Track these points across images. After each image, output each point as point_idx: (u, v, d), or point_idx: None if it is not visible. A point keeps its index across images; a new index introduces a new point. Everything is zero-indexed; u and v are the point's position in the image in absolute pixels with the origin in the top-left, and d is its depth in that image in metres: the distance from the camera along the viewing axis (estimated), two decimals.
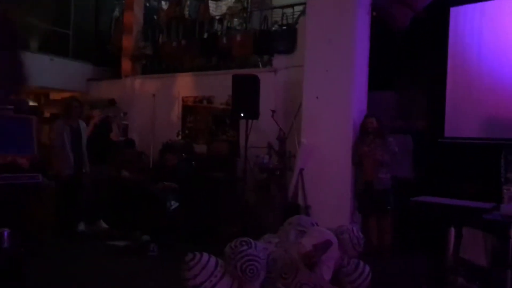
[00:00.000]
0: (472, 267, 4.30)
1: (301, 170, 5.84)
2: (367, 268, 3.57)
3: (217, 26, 8.43)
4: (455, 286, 4.16)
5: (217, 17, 8.55)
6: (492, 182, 5.39)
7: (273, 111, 6.32)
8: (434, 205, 4.72)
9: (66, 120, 6.07)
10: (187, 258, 3.28)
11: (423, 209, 4.97)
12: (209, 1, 8.56)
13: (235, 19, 8.28)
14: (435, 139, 6.22)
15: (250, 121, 6.17)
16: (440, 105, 6.21)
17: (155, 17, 9.63)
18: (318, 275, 3.17)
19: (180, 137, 7.60)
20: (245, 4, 8.38)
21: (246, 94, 5.90)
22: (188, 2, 8.91)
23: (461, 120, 6.10)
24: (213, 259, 3.31)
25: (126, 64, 9.19)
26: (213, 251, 3.51)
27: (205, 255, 3.32)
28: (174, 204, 5.86)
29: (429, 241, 5.22)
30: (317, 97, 5.93)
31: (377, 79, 6.22)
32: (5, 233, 3.84)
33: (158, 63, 8.98)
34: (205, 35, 8.45)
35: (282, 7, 7.61)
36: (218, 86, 7.34)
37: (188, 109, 8.19)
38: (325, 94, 5.88)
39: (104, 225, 6.52)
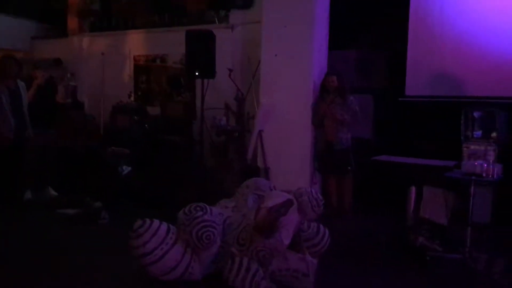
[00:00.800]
0: (433, 225, 4.27)
1: (260, 131, 5.63)
2: (327, 232, 3.47)
3: None
4: (415, 245, 4.12)
5: None
6: (452, 140, 5.36)
7: (230, 70, 6.04)
8: (394, 164, 4.65)
9: (2, 81, 5.56)
10: (136, 225, 3.07)
11: (384, 168, 4.89)
12: None
13: None
14: (395, 98, 6.12)
15: (206, 81, 5.87)
16: (400, 64, 6.09)
17: None
18: (278, 240, 3.02)
19: (132, 98, 7.20)
20: None
21: (201, 52, 5.57)
22: None
23: (422, 79, 6.02)
24: (164, 226, 3.11)
25: (72, 21, 8.57)
26: (169, 217, 3.33)
27: (156, 222, 3.11)
28: (126, 169, 5.57)
29: (390, 201, 5.19)
30: (276, 55, 5.68)
31: (338, 38, 6.04)
32: None
33: (107, 19, 8.40)
34: None
35: None
36: (172, 43, 6.94)
37: (140, 69, 7.76)
38: (285, 52, 5.65)
39: (52, 192, 6.16)
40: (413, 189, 4.47)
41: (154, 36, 7.64)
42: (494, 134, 5.02)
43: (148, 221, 3.11)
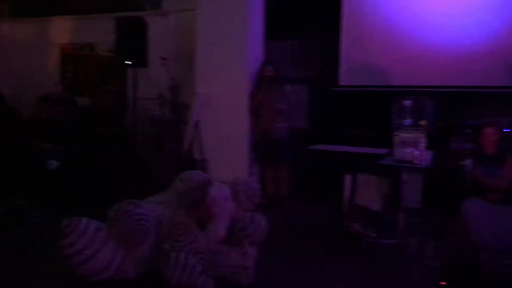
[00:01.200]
0: (367, 212, 4.36)
1: (197, 122, 5.51)
2: (264, 220, 3.44)
3: None
4: (351, 232, 4.19)
5: None
6: (384, 128, 5.50)
7: (164, 59, 5.82)
8: (330, 153, 4.71)
9: None
10: (62, 224, 2.88)
11: (320, 157, 4.95)
12: None
13: None
14: (329, 87, 6.19)
15: (138, 69, 5.64)
16: (334, 54, 6.17)
17: None
18: (213, 231, 2.95)
19: (59, 89, 6.78)
20: None
21: (132, 39, 5.34)
22: None
23: (355, 69, 6.13)
24: (93, 224, 2.93)
25: None
26: (102, 214, 3.16)
27: (84, 220, 2.93)
28: (53, 164, 5.23)
29: (326, 189, 5.26)
30: (212, 43, 5.56)
31: (274, 28, 6.02)
32: None
33: (30, 4, 7.81)
34: None
35: None
36: (101, 31, 6.55)
37: (68, 58, 7.29)
38: (220, 40, 5.56)
39: None
40: (348, 177, 4.54)
41: (82, 23, 7.21)
42: (423, 122, 5.21)
43: (75, 219, 2.93)
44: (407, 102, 5.48)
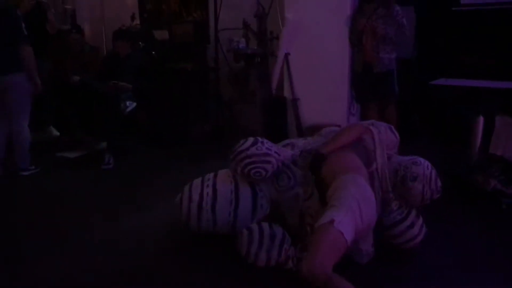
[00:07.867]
0: (507, 165, 3.41)
1: (287, 54, 4.79)
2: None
3: None
4: (486, 190, 3.29)
5: None
6: None
7: None
8: (457, 89, 3.73)
9: None
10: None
11: (442, 94, 3.97)
12: None
13: None
14: (445, 8, 5.04)
15: None
16: None
17: None
18: None
19: (137, 22, 6.27)
20: None
21: None
22: None
23: None
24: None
25: None
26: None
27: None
28: (130, 105, 4.82)
29: (446, 133, 4.32)
30: None
31: None
32: None
33: None
34: None
35: None
36: None
37: None
38: None
39: (55, 132, 5.64)
40: (481, 119, 3.57)
41: None
42: None
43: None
44: None
